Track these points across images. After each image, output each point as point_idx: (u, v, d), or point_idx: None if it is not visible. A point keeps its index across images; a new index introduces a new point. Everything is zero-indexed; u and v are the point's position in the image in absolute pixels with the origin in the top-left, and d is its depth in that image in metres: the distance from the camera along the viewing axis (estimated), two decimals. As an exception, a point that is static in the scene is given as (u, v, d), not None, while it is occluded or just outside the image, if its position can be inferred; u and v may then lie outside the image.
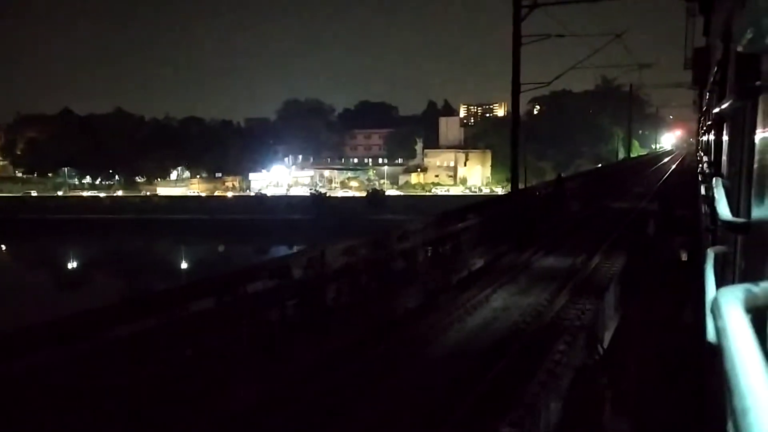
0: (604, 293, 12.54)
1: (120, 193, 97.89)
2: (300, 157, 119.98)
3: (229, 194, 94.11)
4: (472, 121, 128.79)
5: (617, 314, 13.49)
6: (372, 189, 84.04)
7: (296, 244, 70.09)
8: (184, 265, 66.46)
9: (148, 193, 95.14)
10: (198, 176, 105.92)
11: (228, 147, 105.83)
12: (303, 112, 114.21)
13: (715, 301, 0.74)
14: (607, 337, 12.30)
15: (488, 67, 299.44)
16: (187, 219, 79.77)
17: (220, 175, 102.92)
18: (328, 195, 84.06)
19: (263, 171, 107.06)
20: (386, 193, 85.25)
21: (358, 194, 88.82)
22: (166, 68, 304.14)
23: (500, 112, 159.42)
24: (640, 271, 16.04)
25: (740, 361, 0.59)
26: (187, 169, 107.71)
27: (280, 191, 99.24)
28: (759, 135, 1.61)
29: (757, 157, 1.66)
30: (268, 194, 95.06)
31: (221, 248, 76.15)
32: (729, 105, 2.62)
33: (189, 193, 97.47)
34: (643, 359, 11.35)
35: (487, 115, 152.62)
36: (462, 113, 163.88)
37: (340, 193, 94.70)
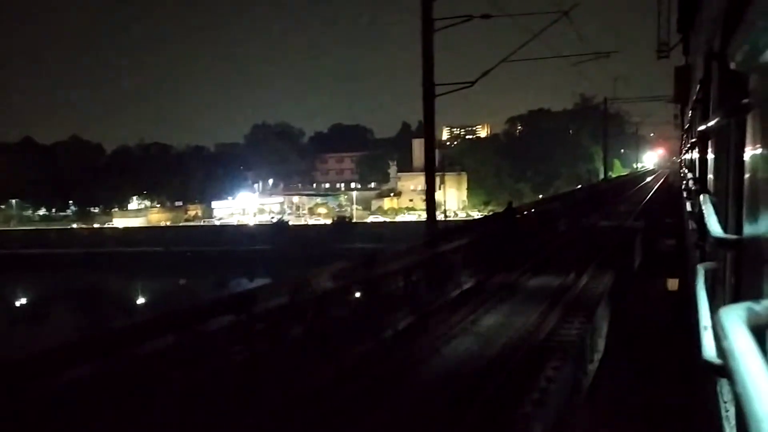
0: (593, 317, 12.09)
1: (76, 225, 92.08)
2: (270, 182, 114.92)
3: (183, 223, 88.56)
4: (456, 143, 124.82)
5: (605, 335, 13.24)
6: (339, 216, 78.76)
7: (257, 276, 65.72)
8: (128, 302, 60.98)
9: (102, 225, 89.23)
10: (158, 205, 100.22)
11: (192, 173, 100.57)
12: (272, 137, 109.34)
13: (719, 320, 0.73)
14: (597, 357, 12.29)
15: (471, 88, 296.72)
16: (138, 252, 74.06)
17: (180, 203, 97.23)
18: (291, 223, 78.69)
19: (229, 198, 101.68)
20: (354, 220, 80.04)
21: (326, 221, 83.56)
22: (135, 94, 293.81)
23: (483, 134, 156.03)
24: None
25: (753, 384, 0.58)
26: (148, 198, 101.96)
27: (247, 219, 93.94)
28: (749, 152, 1.65)
29: (747, 174, 1.69)
30: (234, 222, 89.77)
31: (182, 281, 70.96)
32: (715, 122, 2.70)
33: (147, 224, 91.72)
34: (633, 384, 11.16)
35: (469, 137, 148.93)
36: (445, 135, 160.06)
37: (311, 220, 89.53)
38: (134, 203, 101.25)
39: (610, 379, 11.91)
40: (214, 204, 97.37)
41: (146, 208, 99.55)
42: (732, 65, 0.74)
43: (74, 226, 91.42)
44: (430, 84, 13.86)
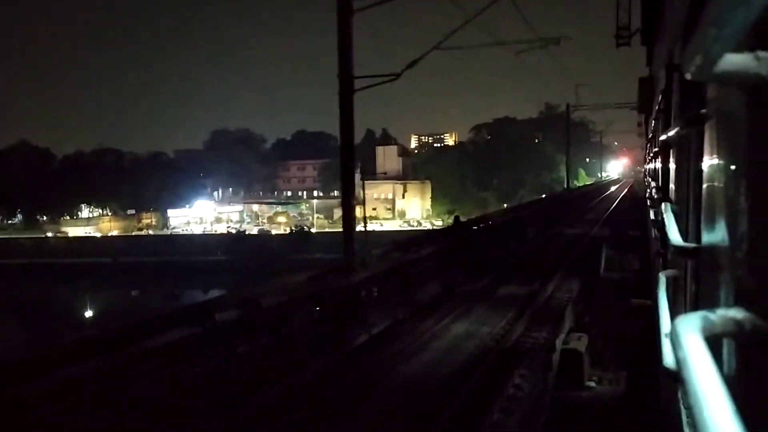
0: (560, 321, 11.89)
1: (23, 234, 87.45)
2: (231, 190, 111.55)
3: (134, 233, 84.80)
4: (424, 151, 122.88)
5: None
6: (297, 225, 75.97)
7: (212, 288, 63.14)
8: (73, 315, 57.38)
9: (51, 234, 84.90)
10: (110, 214, 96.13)
11: (147, 180, 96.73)
12: (232, 143, 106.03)
13: (674, 329, 0.76)
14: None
15: (438, 96, 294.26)
16: (85, 263, 70.22)
17: (133, 212, 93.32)
18: (247, 232, 75.69)
19: (186, 207, 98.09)
20: (315, 230, 77.41)
21: (285, 231, 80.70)
22: (93, 98, 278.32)
23: (451, 142, 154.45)
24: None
25: (703, 394, 0.60)
26: (100, 206, 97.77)
27: (203, 228, 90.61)
28: (706, 162, 1.68)
29: (705, 184, 1.72)
30: (190, 231, 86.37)
31: (135, 293, 67.60)
32: (675, 132, 2.75)
33: (97, 233, 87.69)
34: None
35: (437, 145, 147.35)
36: (413, 143, 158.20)
37: (273, 230, 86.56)
38: (87, 212, 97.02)
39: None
40: (170, 212, 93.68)
41: (98, 216, 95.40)
42: (687, 76, 0.80)
43: (21, 235, 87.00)
44: (348, 76, 11.59)
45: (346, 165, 12.87)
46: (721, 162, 1.33)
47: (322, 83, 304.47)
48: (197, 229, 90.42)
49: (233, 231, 74.54)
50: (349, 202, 13.16)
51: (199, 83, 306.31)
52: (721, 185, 1.28)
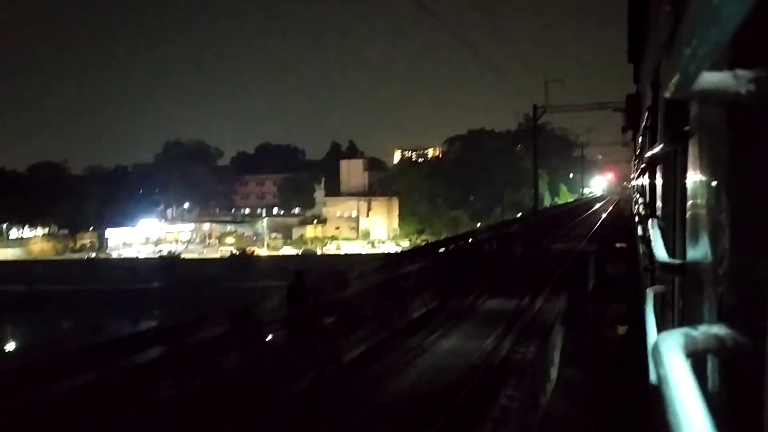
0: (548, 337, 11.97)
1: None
2: (186, 207, 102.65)
3: (66, 255, 75.67)
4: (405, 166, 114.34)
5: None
6: (238, 249, 67.15)
7: (142, 319, 55.32)
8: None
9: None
10: (46, 234, 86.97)
11: (90, 197, 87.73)
12: (185, 157, 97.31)
13: (656, 346, 0.76)
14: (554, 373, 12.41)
15: (416, 109, 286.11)
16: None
17: (66, 231, 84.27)
18: (184, 256, 66.95)
19: (129, 226, 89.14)
20: (263, 253, 68.83)
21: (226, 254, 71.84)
22: (37, 111, 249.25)
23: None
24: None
25: (683, 412, 0.60)
26: (34, 226, 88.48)
27: (148, 249, 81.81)
28: (690, 178, 1.70)
29: (689, 200, 1.74)
30: (137, 253, 77.64)
31: (67, 324, 58.77)
32: (660, 149, 2.76)
33: (26, 256, 78.56)
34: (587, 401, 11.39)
35: (421, 159, 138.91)
36: (396, 157, 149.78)
37: (220, 252, 77.76)
38: (17, 232, 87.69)
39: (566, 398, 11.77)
40: (109, 232, 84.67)
41: (28, 238, 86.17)
42: (666, 94, 0.81)
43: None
44: None
45: None
46: (704, 178, 1.35)
47: (289, 94, 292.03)
48: (142, 250, 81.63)
49: (164, 254, 65.64)
50: None
51: (155, 94, 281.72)
52: (704, 202, 1.31)
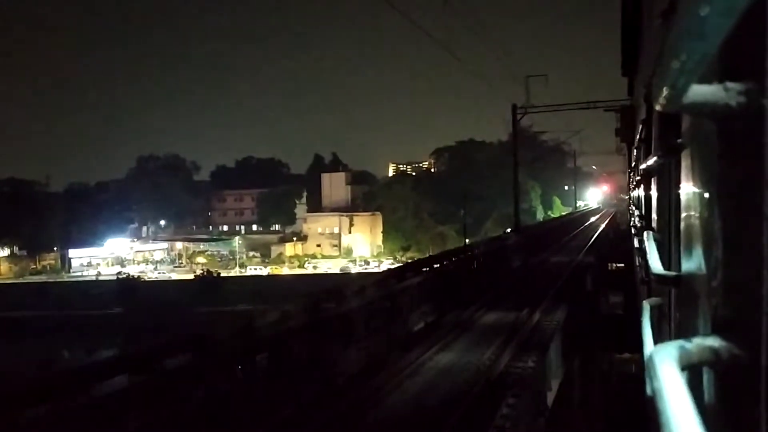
0: (547, 349, 11.71)
1: None
2: (162, 224, 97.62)
3: (25, 278, 70.53)
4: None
5: (561, 368, 13.13)
6: (204, 270, 61.96)
7: (100, 348, 50.28)
8: None
9: None
10: (6, 254, 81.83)
11: (55, 215, 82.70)
12: (158, 171, 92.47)
13: (650, 359, 0.77)
14: (554, 385, 12.28)
15: (410, 122, 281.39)
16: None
17: (24, 252, 79.14)
18: (141, 278, 61.82)
19: (96, 246, 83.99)
20: (232, 273, 63.74)
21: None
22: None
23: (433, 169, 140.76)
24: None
25: (677, 425, 0.61)
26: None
27: (112, 270, 76.68)
28: (683, 190, 1.72)
29: (683, 213, 1.75)
30: (100, 274, 72.56)
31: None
32: (654, 161, 2.83)
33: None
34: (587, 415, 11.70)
35: (414, 173, 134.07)
36: (391, 172, 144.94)
37: (187, 273, 72.62)
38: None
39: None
40: (73, 253, 79.44)
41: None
42: (657, 107, 0.75)
43: None
44: None
45: None
46: (696, 191, 1.37)
47: (278, 107, 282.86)
48: (108, 272, 76.44)
49: (123, 276, 60.46)
50: None
51: (135, 107, 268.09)
52: (697, 214, 1.33)
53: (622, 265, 23.58)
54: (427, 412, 8.59)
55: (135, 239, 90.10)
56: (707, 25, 0.59)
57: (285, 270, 74.43)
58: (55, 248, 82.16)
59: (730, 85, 0.76)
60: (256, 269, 73.81)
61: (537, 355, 11.16)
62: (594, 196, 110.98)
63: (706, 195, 1.14)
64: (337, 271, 68.22)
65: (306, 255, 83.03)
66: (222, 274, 61.01)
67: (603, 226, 48.94)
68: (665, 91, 0.75)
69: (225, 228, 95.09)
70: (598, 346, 17.81)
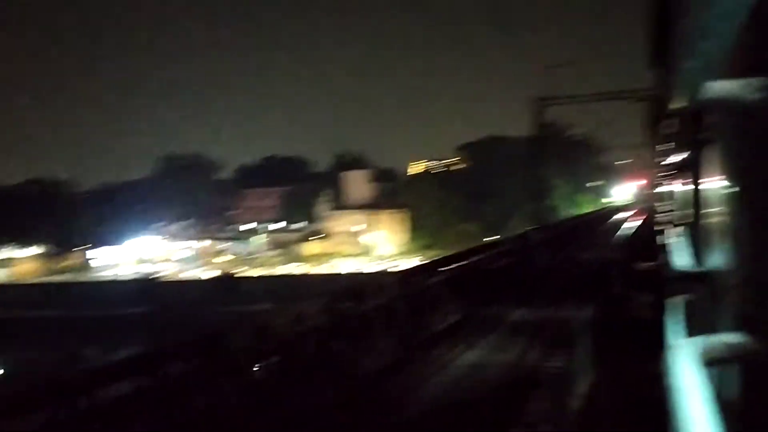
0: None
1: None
2: (192, 223, 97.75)
3: (49, 277, 70.97)
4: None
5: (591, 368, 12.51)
6: (222, 269, 61.47)
7: (117, 347, 49.59)
8: None
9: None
10: (39, 253, 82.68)
11: (81, 215, 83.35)
12: (181, 171, 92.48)
13: (674, 354, 0.77)
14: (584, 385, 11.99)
15: (438, 118, 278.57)
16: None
17: (51, 251, 79.81)
18: (165, 277, 61.61)
19: (124, 243, 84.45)
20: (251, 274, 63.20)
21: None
22: (35, 126, 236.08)
23: (463, 165, 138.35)
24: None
25: (697, 419, 0.60)
26: (25, 245, 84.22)
27: (145, 269, 76.85)
28: (708, 185, 1.72)
29: (709, 208, 1.74)
30: (113, 276, 72.73)
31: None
32: (681, 157, 2.87)
33: (10, 277, 74.17)
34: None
35: (440, 170, 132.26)
36: (413, 169, 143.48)
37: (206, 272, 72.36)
38: (3, 252, 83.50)
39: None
40: (95, 252, 79.83)
41: (19, 258, 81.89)
42: (682, 103, 0.77)
43: None
44: None
45: None
46: (720, 185, 1.36)
47: (302, 106, 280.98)
48: (130, 270, 76.67)
49: (139, 276, 60.40)
50: None
51: (159, 107, 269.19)
52: (723, 209, 1.32)
53: (653, 263, 22.44)
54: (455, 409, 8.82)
55: (161, 237, 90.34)
56: (725, 22, 0.56)
57: (310, 269, 73.72)
58: (80, 246, 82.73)
59: (752, 80, 0.70)
60: (281, 268, 73.30)
61: (566, 354, 11.25)
62: (625, 191, 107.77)
63: (731, 190, 1.09)
64: (365, 270, 67.12)
65: (328, 253, 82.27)
66: (247, 273, 60.50)
67: (635, 223, 47.15)
68: (689, 87, 0.72)
69: (249, 226, 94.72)
70: (627, 344, 16.81)
